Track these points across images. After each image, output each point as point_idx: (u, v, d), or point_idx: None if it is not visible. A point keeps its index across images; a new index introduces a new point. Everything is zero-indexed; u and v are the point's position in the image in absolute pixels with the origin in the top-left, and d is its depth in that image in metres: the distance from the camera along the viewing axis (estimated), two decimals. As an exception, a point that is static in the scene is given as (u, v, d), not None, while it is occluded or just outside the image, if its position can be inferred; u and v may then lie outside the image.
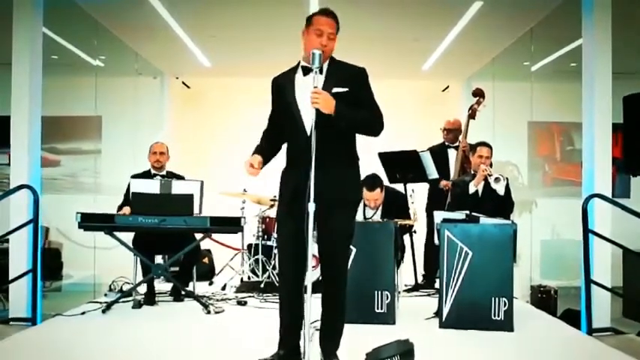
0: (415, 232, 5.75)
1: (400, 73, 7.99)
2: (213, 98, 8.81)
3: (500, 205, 4.94)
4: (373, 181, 5.09)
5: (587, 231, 4.30)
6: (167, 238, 5.19)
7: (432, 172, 5.60)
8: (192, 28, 6.41)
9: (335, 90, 3.10)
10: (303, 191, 2.91)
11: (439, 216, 4.55)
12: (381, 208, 5.26)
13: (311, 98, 2.98)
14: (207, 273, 6.66)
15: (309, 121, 3.02)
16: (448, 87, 8.62)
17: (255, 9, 5.72)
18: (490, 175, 4.95)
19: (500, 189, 4.91)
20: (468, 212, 4.53)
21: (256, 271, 6.23)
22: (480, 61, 7.52)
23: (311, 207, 2.88)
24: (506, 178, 5.05)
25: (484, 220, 4.44)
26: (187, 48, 7.06)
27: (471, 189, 5.04)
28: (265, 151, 3.29)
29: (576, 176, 7.22)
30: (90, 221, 4.87)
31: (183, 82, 8.78)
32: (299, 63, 3.24)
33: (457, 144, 6.04)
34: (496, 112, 6.98)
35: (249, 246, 6.45)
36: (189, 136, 8.73)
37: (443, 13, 5.71)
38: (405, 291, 5.75)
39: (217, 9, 5.81)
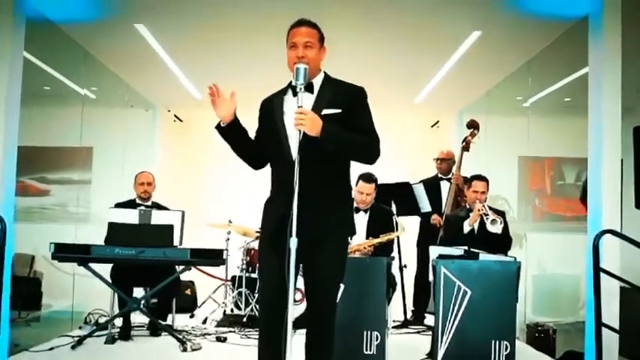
0: (405, 266, 5.20)
1: (391, 103, 7.46)
2: (204, 130, 8.24)
3: (497, 241, 4.38)
4: (370, 175, 4.52)
5: (597, 269, 3.72)
6: (146, 269, 4.64)
7: (425, 205, 5.05)
8: (183, 59, 5.95)
9: (325, 112, 2.59)
10: (288, 224, 2.39)
11: (435, 251, 3.97)
12: (366, 225, 4.65)
13: (295, 119, 2.46)
14: (189, 305, 6.05)
15: (295, 144, 2.50)
16: (438, 122, 8.12)
17: (246, 38, 5.26)
18: (486, 215, 4.39)
19: (496, 231, 4.35)
20: (466, 248, 3.95)
21: (239, 304, 5.67)
22: (473, 94, 7.03)
23: (293, 243, 2.36)
24: (504, 218, 4.50)
25: (484, 256, 3.87)
26: (178, 80, 6.61)
27: (466, 228, 4.49)
28: (249, 140, 2.78)
29: (566, 210, 6.80)
30: (64, 252, 4.33)
31: (176, 116, 8.29)
32: (290, 83, 2.72)
33: (450, 176, 5.53)
34: (487, 146, 6.51)
35: (233, 278, 5.89)
36: (179, 168, 8.26)
37: (441, 41, 5.22)
38: (393, 327, 5.17)
39: (208, 40, 5.36)
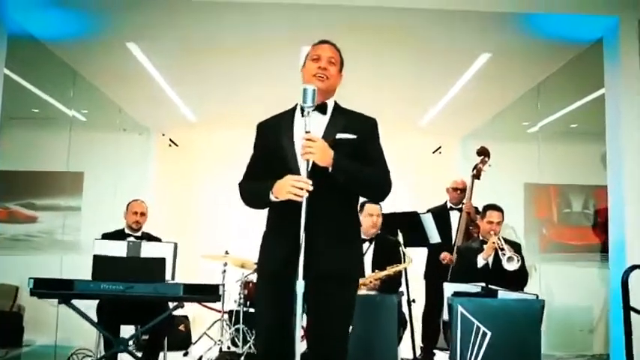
0: (414, 301, 4.81)
1: (392, 126, 7.13)
2: (200, 155, 7.97)
3: (514, 276, 4.01)
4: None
5: (628, 308, 3.35)
6: (135, 305, 4.22)
7: (434, 236, 4.68)
8: (177, 81, 5.64)
9: (340, 136, 2.28)
10: (293, 263, 2.07)
11: (450, 288, 3.60)
12: (371, 257, 4.31)
13: (302, 147, 2.14)
14: (183, 342, 5.62)
15: (304, 173, 2.18)
16: (440, 148, 7.80)
17: (244, 61, 4.95)
18: (502, 250, 4.02)
19: (513, 269, 3.96)
20: (483, 284, 3.59)
21: (237, 341, 5.24)
22: (478, 119, 6.72)
23: (300, 287, 2.04)
24: (519, 251, 4.14)
25: (503, 293, 3.51)
26: (173, 103, 6.30)
27: (480, 262, 4.12)
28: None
29: (574, 239, 6.49)
30: (45, 287, 3.86)
31: (171, 140, 7.94)
32: (297, 105, 2.40)
33: (460, 206, 5.18)
34: (493, 172, 6.22)
35: (230, 313, 5.47)
36: (174, 195, 7.87)
37: (449, 64, 4.93)
38: (403, 366, 4.78)
39: (203, 62, 5.06)
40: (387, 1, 3.96)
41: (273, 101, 2.52)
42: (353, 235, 2.39)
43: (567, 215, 6.58)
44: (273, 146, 2.36)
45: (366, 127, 2.38)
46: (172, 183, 7.99)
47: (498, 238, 4.09)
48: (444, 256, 4.99)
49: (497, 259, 4.08)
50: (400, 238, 4.51)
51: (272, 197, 2.25)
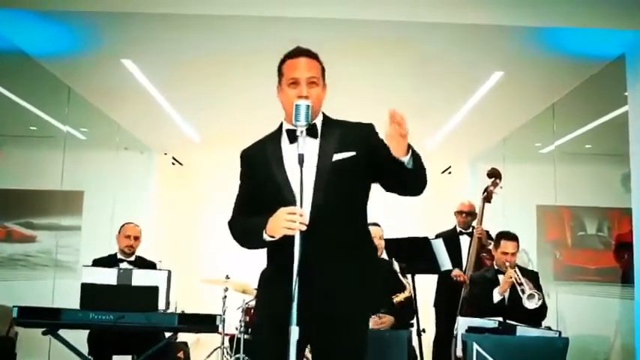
0: (424, 331, 4.49)
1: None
2: (203, 174, 7.77)
3: (532, 310, 3.68)
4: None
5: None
6: (129, 335, 3.93)
7: (445, 263, 4.36)
8: (177, 98, 5.42)
9: (337, 157, 1.97)
10: (299, 304, 1.77)
11: (464, 324, 3.28)
12: None
13: (392, 131, 1.83)
14: (182, 370, 5.28)
15: (306, 204, 1.88)
16: (450, 168, 7.51)
17: (245, 77, 4.71)
18: (520, 285, 3.67)
19: (534, 306, 3.60)
20: (500, 319, 3.27)
21: (237, 370, 4.91)
22: (488, 140, 6.45)
23: (294, 334, 1.75)
24: (537, 280, 3.82)
25: (522, 329, 3.19)
26: (174, 120, 6.11)
27: (496, 298, 3.79)
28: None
29: (589, 263, 6.20)
30: (30, 317, 3.59)
31: (174, 158, 7.71)
32: (280, 126, 2.10)
33: (470, 230, 4.87)
34: (504, 194, 5.94)
35: (231, 340, 5.14)
36: (176, 215, 7.69)
37: (459, 82, 4.67)
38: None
39: (203, 78, 4.84)
40: (392, 14, 3.67)
41: (279, 118, 2.20)
42: (370, 262, 2.08)
43: (581, 238, 6.32)
44: (262, 177, 2.05)
45: (366, 134, 2.06)
46: (174, 203, 7.80)
47: (515, 271, 3.76)
48: (458, 273, 4.66)
49: (513, 292, 3.75)
50: (396, 266, 4.19)
51: (266, 237, 1.93)
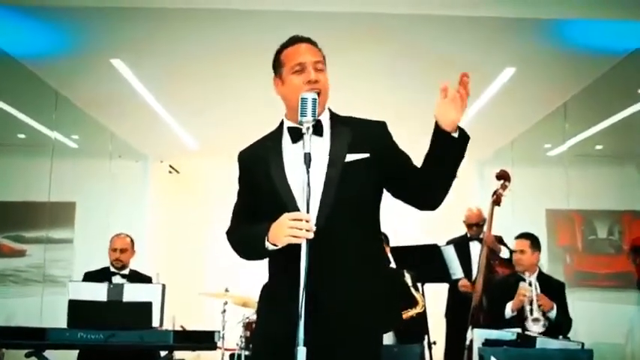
0: (435, 343, 4.28)
1: (405, 147, 6.68)
2: (202, 183, 7.60)
3: (553, 324, 3.45)
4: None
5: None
6: (119, 356, 3.70)
7: (457, 271, 4.15)
8: (171, 102, 5.24)
9: (350, 157, 1.75)
10: (307, 321, 1.56)
11: (480, 336, 3.06)
12: None
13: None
14: (180, 388, 5.07)
15: (313, 210, 1.66)
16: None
17: (244, 81, 4.55)
18: (530, 305, 3.41)
19: (537, 331, 3.33)
20: (519, 331, 3.05)
21: (237, 388, 4.70)
22: (496, 142, 6.29)
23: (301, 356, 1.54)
24: (562, 292, 3.60)
25: (543, 341, 2.96)
26: (169, 127, 5.94)
27: (508, 313, 3.57)
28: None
29: (600, 267, 6.03)
30: (12, 337, 3.36)
31: (171, 166, 7.54)
32: (281, 124, 1.88)
33: (481, 236, 4.65)
34: (513, 198, 5.76)
35: (232, 356, 4.93)
36: (173, 226, 7.48)
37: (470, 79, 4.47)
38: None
39: (199, 82, 4.68)
40: (399, 7, 3.48)
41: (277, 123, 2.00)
42: (383, 272, 1.86)
43: (592, 242, 6.16)
44: (259, 180, 1.83)
45: (376, 134, 1.85)
46: (171, 213, 7.61)
47: (534, 285, 3.52)
48: (464, 284, 4.45)
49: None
50: (408, 278, 3.95)
51: (269, 246, 1.72)
